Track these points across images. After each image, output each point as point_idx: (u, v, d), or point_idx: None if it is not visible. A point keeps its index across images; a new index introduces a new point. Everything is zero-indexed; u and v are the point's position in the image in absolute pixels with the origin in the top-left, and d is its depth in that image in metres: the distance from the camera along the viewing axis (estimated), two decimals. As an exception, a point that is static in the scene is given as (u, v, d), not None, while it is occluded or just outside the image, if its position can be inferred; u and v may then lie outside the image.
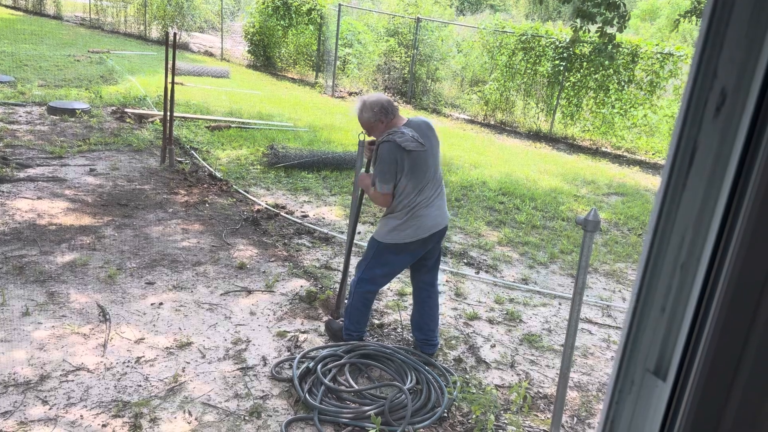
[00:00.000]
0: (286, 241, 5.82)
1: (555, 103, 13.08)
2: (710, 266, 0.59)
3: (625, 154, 12.30)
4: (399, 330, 4.45)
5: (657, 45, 12.11)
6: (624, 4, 7.88)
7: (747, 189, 0.56)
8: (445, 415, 3.52)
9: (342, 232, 6.08)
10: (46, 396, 3.32)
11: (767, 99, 0.55)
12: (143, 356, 3.78)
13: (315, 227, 6.20)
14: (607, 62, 11.96)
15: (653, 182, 10.31)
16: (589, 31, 8.60)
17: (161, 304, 4.41)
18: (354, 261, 5.40)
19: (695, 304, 0.61)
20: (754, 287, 0.59)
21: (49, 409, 3.23)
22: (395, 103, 3.89)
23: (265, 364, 3.84)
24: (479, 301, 5.06)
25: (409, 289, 5.09)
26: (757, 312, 0.60)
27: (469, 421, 3.49)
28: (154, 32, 20.32)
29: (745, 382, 0.62)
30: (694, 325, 0.61)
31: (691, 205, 0.62)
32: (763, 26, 0.55)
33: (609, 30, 8.13)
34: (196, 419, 3.28)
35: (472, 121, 14.12)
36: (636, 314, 0.67)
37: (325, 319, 4.47)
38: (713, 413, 0.62)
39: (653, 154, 12.14)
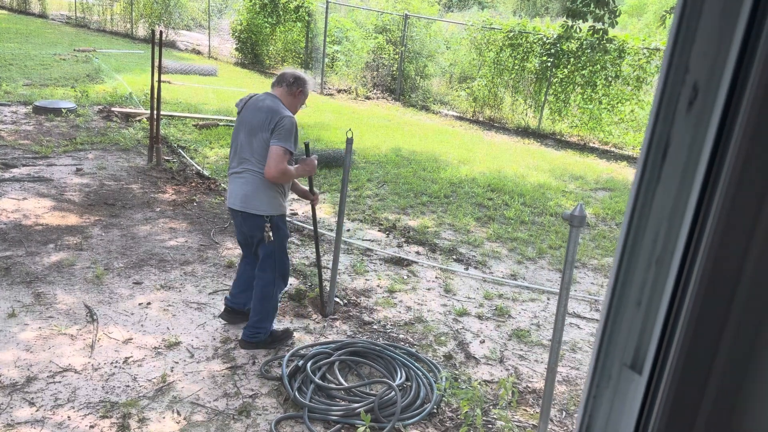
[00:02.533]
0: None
1: (543, 99, 13.12)
2: (683, 259, 0.60)
3: (613, 149, 12.36)
4: (388, 327, 4.45)
5: (644, 40, 12.16)
6: (613, 1, 7.91)
7: (719, 182, 0.57)
8: (435, 411, 3.53)
9: (331, 230, 6.07)
10: (33, 397, 3.30)
11: (737, 92, 0.55)
12: (131, 356, 3.76)
13: (304, 225, 6.19)
14: (599, 56, 11.97)
15: (641, 177, 10.34)
16: (580, 29, 8.63)
17: (149, 303, 4.39)
18: (343, 258, 5.40)
19: (669, 298, 0.61)
20: (728, 278, 0.59)
21: (36, 410, 3.21)
22: (296, 80, 3.82)
23: (254, 363, 3.83)
24: (468, 297, 5.08)
25: (398, 286, 5.10)
26: (731, 303, 0.60)
27: (459, 416, 3.50)
28: (141, 30, 20.18)
29: (720, 374, 0.62)
30: (668, 319, 0.62)
31: (665, 200, 0.62)
32: (733, 19, 0.56)
33: (600, 26, 8.17)
34: (185, 419, 3.27)
35: (460, 118, 14.13)
36: (612, 309, 0.67)
37: (315, 317, 4.47)
38: (689, 405, 0.62)
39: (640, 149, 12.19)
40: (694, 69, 0.59)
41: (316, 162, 4.01)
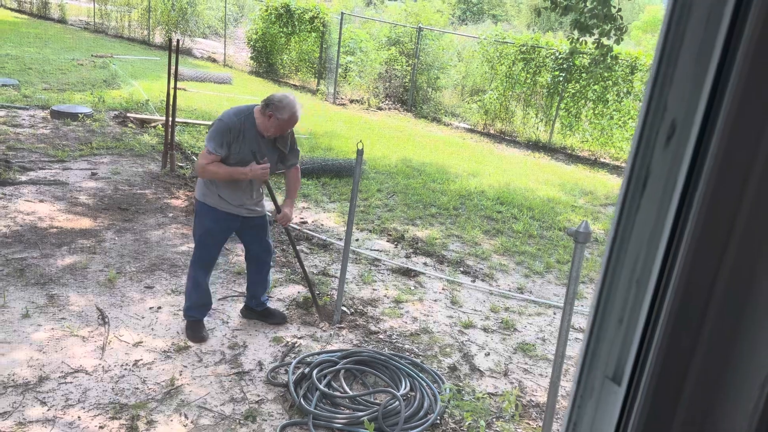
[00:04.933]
0: (284, 247, 5.88)
1: (554, 114, 13.16)
2: (659, 280, 0.65)
3: (623, 165, 12.35)
4: (394, 337, 4.49)
5: (656, 57, 12.18)
6: (621, 17, 7.95)
7: (691, 211, 0.62)
8: (438, 421, 3.56)
9: (340, 239, 6.13)
10: (44, 397, 3.37)
11: (708, 129, 0.61)
12: (141, 359, 3.83)
13: (313, 234, 6.26)
14: (606, 74, 12.04)
15: (651, 193, 10.34)
16: (586, 42, 8.66)
17: (160, 308, 4.46)
18: (351, 267, 5.46)
19: (646, 315, 0.67)
20: (699, 297, 0.65)
21: (48, 410, 3.28)
22: (268, 104, 3.95)
23: (260, 369, 3.89)
24: (475, 310, 5.11)
25: (405, 296, 5.14)
26: (703, 319, 0.65)
27: (462, 428, 3.53)
28: (158, 37, 20.43)
29: (693, 386, 0.67)
30: (645, 334, 0.67)
31: (645, 226, 0.67)
32: (705, 64, 0.62)
33: (606, 42, 8.19)
34: (191, 422, 3.32)
35: (471, 130, 14.19)
36: (595, 326, 0.73)
37: (322, 325, 4.52)
38: (663, 414, 0.68)
39: (651, 166, 12.18)
40: (672, 107, 0.65)
41: (260, 169, 3.87)
